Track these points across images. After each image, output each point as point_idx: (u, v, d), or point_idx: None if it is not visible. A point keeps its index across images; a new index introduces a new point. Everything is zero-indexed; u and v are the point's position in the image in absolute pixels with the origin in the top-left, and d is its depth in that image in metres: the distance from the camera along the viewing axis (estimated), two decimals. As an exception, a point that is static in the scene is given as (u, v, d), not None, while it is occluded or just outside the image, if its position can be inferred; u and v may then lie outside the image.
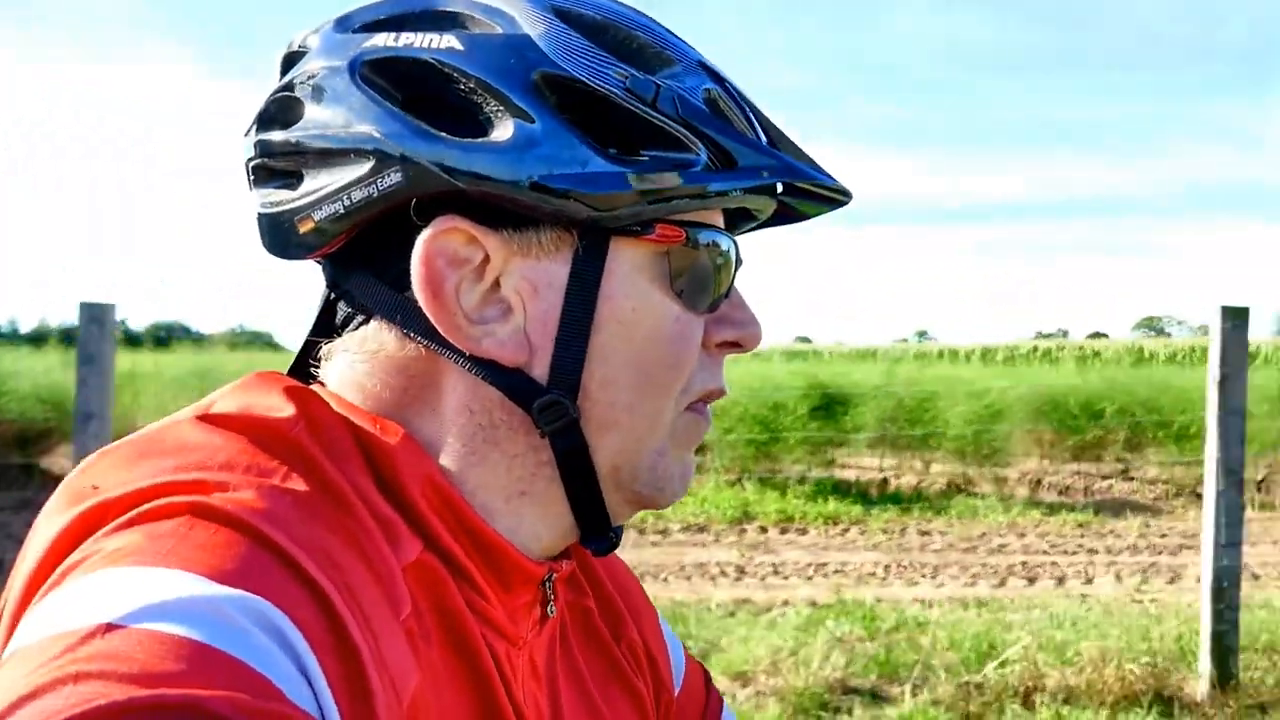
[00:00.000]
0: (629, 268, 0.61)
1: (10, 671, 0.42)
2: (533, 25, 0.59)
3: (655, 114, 0.59)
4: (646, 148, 0.59)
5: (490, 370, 0.60)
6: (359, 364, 0.62)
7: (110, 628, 0.43)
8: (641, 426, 0.63)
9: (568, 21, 0.60)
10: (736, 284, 0.67)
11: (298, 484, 0.54)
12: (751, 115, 0.64)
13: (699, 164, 0.59)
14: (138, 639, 0.43)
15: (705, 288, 0.63)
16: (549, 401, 0.60)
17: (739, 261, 0.66)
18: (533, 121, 0.57)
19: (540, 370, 0.61)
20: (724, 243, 0.64)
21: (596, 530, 0.65)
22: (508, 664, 0.62)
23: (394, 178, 0.58)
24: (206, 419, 0.57)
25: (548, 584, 0.67)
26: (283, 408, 0.58)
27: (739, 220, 0.68)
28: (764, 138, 0.64)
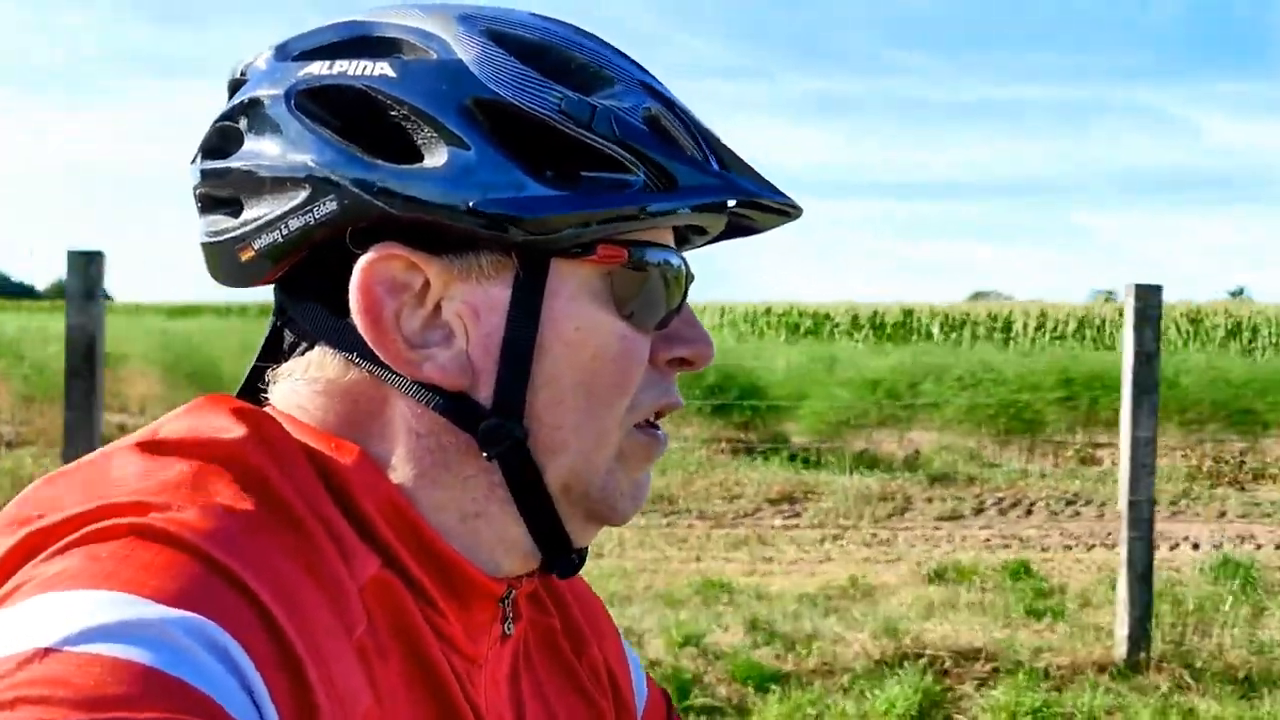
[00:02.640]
0: (572, 289, 0.61)
1: None
2: (466, 50, 0.59)
3: (591, 136, 0.58)
4: (584, 170, 0.59)
5: (433, 394, 0.60)
6: (304, 389, 0.62)
7: (48, 652, 0.42)
8: (589, 446, 0.62)
9: (503, 45, 0.60)
10: (687, 301, 0.67)
11: (244, 502, 0.53)
12: (697, 134, 0.64)
13: (637, 185, 0.59)
14: (77, 663, 0.42)
15: (653, 306, 0.63)
16: (492, 425, 0.60)
17: (689, 278, 0.66)
18: (467, 148, 0.57)
19: (485, 393, 0.60)
20: (672, 260, 0.64)
21: (557, 552, 0.64)
22: (468, 680, 0.62)
23: (330, 206, 0.58)
24: (152, 444, 0.56)
25: (506, 601, 0.66)
26: (232, 428, 0.57)
27: (690, 235, 0.68)
28: (710, 156, 0.64)
